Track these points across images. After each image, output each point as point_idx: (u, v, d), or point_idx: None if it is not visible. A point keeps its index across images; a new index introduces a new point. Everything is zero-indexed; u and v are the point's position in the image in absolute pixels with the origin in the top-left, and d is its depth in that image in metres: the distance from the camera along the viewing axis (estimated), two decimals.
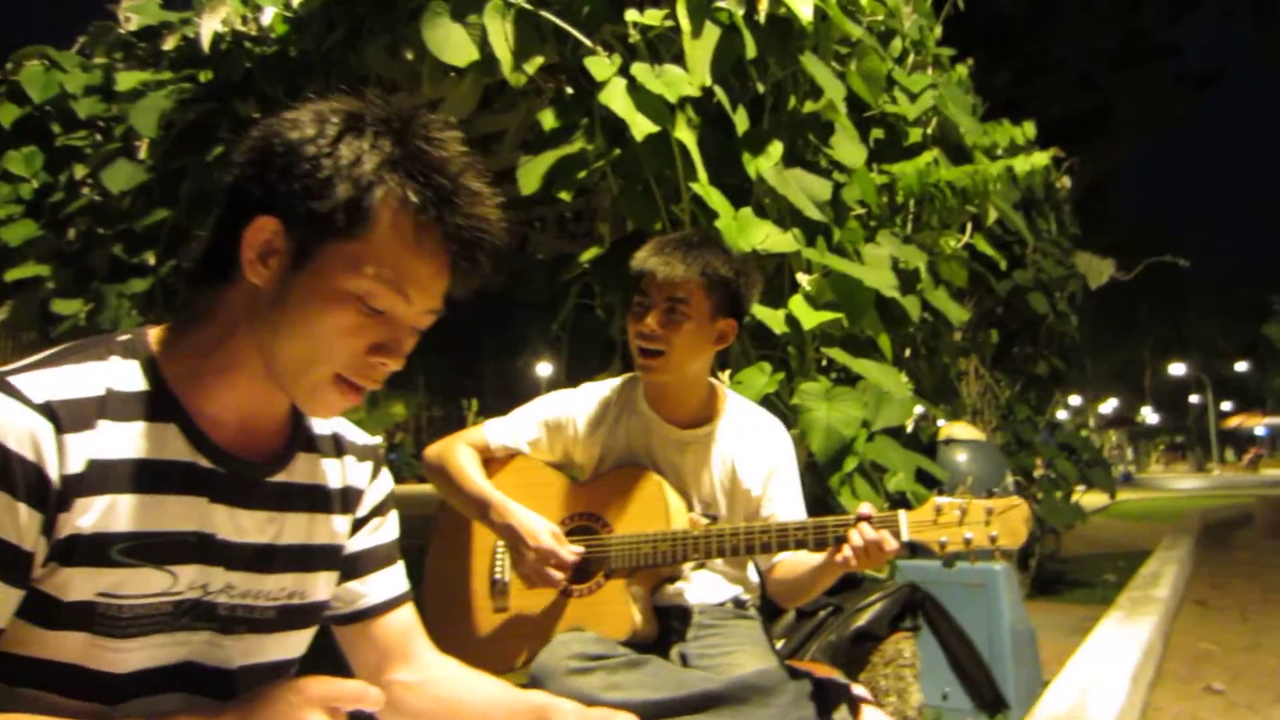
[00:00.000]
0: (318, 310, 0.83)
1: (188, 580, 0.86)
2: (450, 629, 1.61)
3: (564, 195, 2.59)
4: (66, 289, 4.39)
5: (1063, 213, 6.30)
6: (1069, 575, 6.82)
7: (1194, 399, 43.41)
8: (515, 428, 1.69)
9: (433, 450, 1.67)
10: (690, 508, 1.59)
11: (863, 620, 2.24)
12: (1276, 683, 3.49)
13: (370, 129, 0.84)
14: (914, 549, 1.48)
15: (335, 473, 1.01)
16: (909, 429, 3.89)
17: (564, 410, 1.68)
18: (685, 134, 2.54)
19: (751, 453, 1.62)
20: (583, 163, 2.63)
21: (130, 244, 4.40)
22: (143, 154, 4.11)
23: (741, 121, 2.63)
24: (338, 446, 1.02)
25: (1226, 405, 45.37)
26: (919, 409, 3.92)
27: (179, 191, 4.23)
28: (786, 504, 1.62)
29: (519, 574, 1.52)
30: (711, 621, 1.58)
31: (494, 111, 3.45)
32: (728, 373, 2.75)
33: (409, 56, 2.85)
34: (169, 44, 3.91)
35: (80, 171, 4.19)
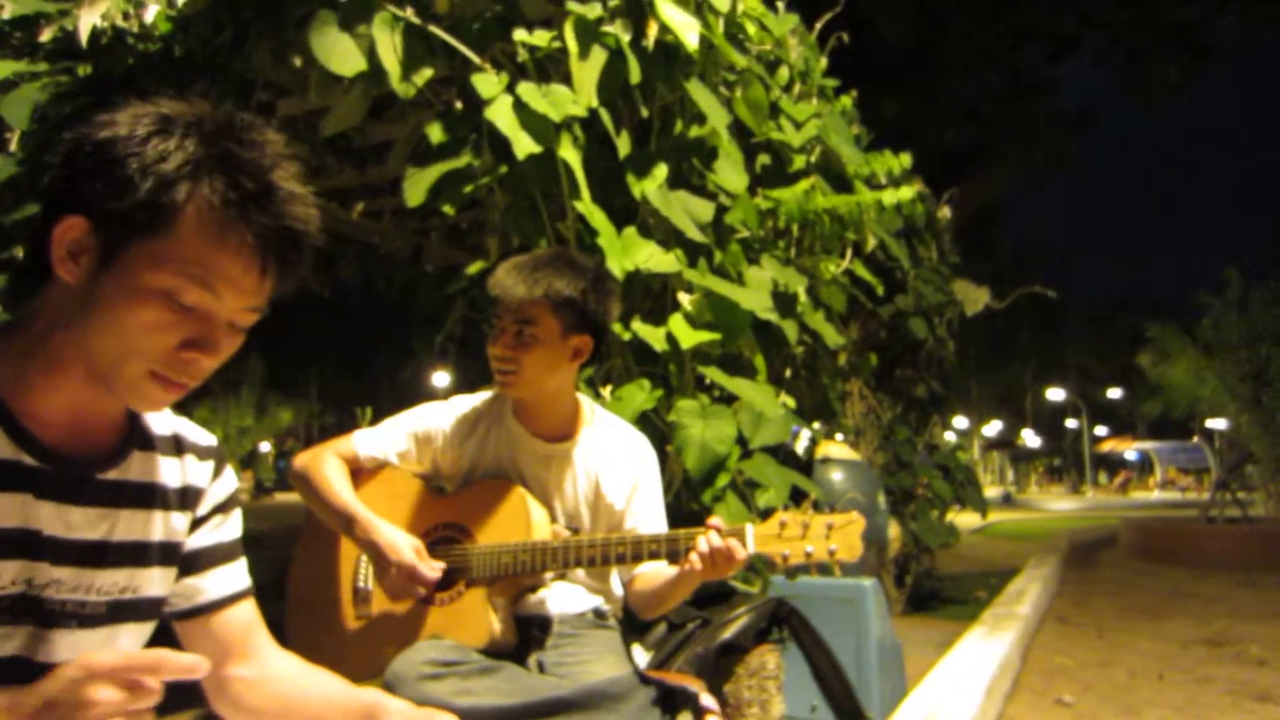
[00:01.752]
0: (124, 306, 0.85)
1: (10, 575, 0.87)
2: (313, 636, 1.61)
3: (448, 209, 2.61)
4: None
5: (943, 241, 6.59)
6: (943, 592, 7.10)
7: (1071, 423, 45.64)
8: (384, 439, 1.70)
9: (300, 460, 1.67)
10: (554, 519, 1.63)
11: (729, 633, 2.31)
12: (1123, 695, 3.71)
13: (179, 130, 0.86)
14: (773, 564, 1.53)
15: (174, 471, 1.02)
16: (798, 448, 4.03)
17: (433, 422, 1.70)
18: (570, 153, 2.59)
19: (615, 467, 1.67)
20: (469, 177, 2.65)
21: None
22: (13, 147, 3.94)
23: (624, 144, 2.70)
24: (178, 446, 1.04)
25: (1101, 430, 47.79)
26: (806, 432, 4.06)
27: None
28: (648, 518, 1.68)
29: (383, 589, 1.53)
30: (571, 631, 1.62)
31: (385, 120, 3.45)
32: (609, 388, 2.81)
33: (297, 63, 2.82)
34: (46, 35, 3.77)
35: None
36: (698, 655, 2.27)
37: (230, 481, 1.09)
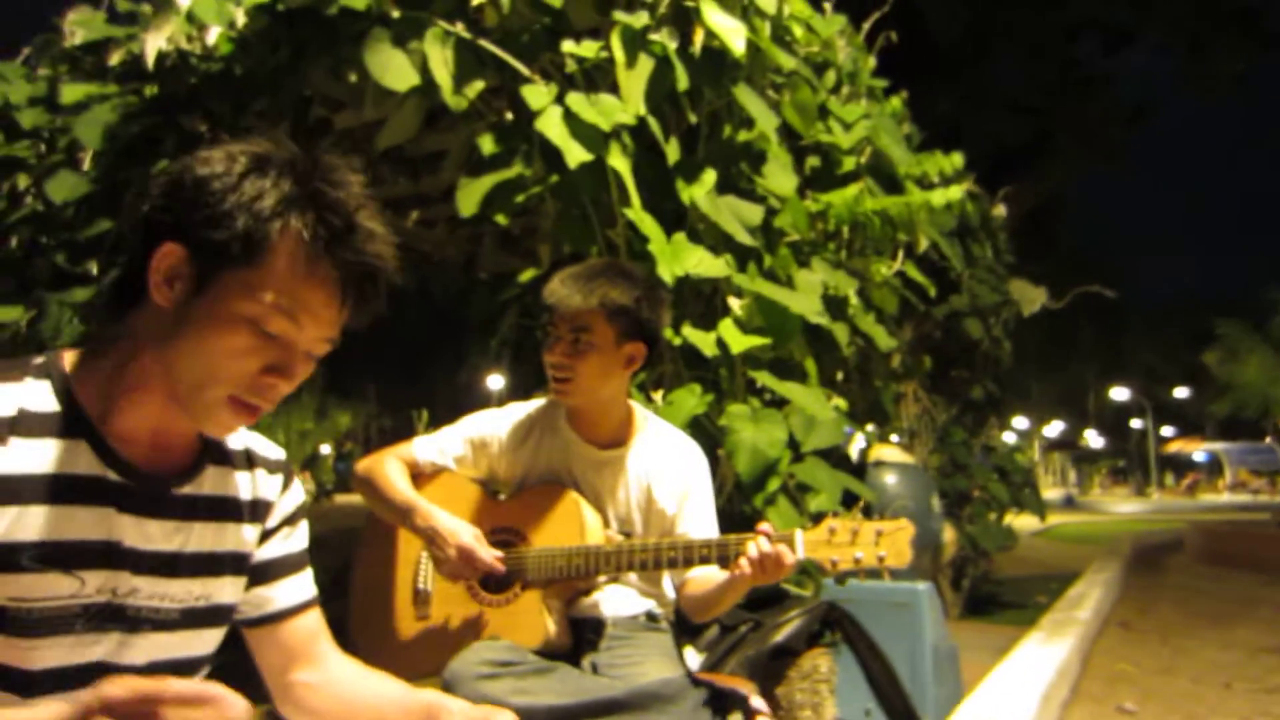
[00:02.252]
0: (214, 331, 0.90)
1: (95, 584, 0.92)
2: (374, 636, 1.66)
3: (500, 219, 2.66)
4: (7, 297, 4.36)
5: (998, 240, 6.50)
6: (1002, 596, 6.99)
7: (1136, 424, 44.51)
8: (442, 445, 1.75)
9: (363, 464, 1.74)
10: (606, 524, 1.66)
11: (781, 635, 2.32)
12: (1186, 704, 3.63)
13: (274, 169, 0.91)
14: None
15: (246, 485, 1.07)
16: (851, 451, 4.01)
17: (489, 429, 1.75)
18: (619, 161, 2.62)
19: (667, 473, 1.70)
20: (521, 187, 2.70)
21: (73, 253, 4.39)
22: (86, 166, 4.11)
23: (673, 151, 2.72)
24: (249, 460, 1.09)
25: (1168, 430, 46.55)
26: (859, 435, 4.04)
27: (122, 202, 4.24)
28: (699, 523, 1.70)
29: (441, 572, 1.58)
30: (623, 633, 1.65)
31: (438, 131, 3.52)
32: (661, 393, 2.83)
33: (352, 78, 2.90)
34: (114, 58, 3.92)
35: (23, 181, 4.17)
36: (749, 658, 2.28)
37: (298, 494, 1.14)
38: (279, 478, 1.12)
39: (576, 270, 1.70)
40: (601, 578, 1.63)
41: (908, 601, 3.40)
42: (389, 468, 1.69)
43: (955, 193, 3.46)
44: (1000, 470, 6.29)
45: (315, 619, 1.14)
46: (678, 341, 2.76)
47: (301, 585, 1.14)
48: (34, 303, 4.30)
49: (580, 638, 1.63)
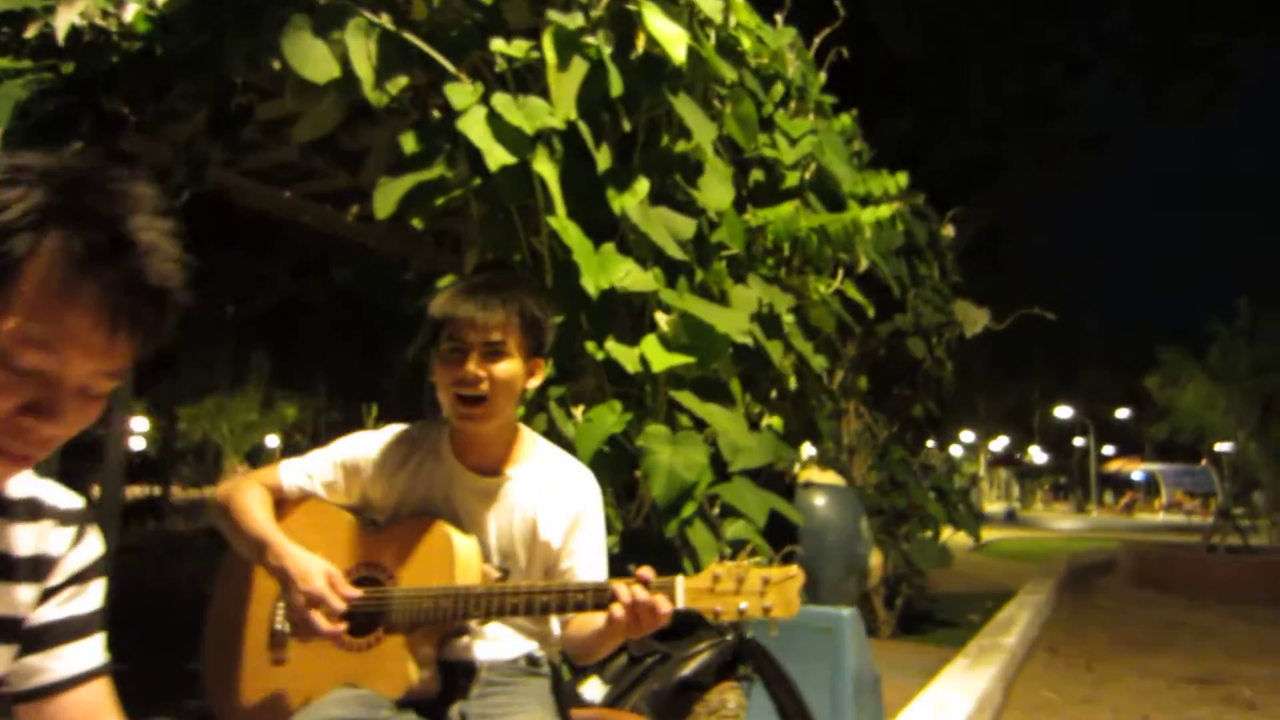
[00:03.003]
0: None
1: None
2: (227, 679, 1.53)
3: (416, 222, 2.54)
4: None
5: (945, 260, 6.51)
6: (936, 614, 7.00)
7: (1078, 441, 45.34)
8: (310, 469, 1.62)
9: (223, 489, 1.59)
10: (487, 558, 1.55)
11: (688, 669, 2.24)
12: None
13: (27, 179, 0.79)
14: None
15: (27, 539, 0.93)
16: (786, 472, 3.94)
17: (362, 453, 1.62)
18: (545, 167, 2.52)
19: (554, 503, 1.59)
20: (443, 189, 2.59)
21: None
22: None
23: (604, 158, 2.63)
24: (34, 511, 0.95)
25: (1109, 449, 47.46)
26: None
27: None
28: (587, 559, 1.59)
29: (289, 620, 1.46)
30: (499, 679, 1.53)
31: (374, 124, 3.39)
32: (581, 409, 2.74)
33: (275, 66, 2.77)
34: (30, 32, 3.73)
35: None
36: (654, 692, 2.20)
37: (92, 548, 0.99)
38: (70, 530, 0.97)
39: (479, 281, 1.60)
40: (472, 621, 1.52)
41: (830, 627, 3.34)
42: (248, 495, 1.55)
43: (885, 210, 3.41)
44: (938, 490, 6.29)
45: (101, 691, 0.99)
46: (600, 356, 2.67)
47: (87, 653, 0.98)
48: None
49: (451, 683, 1.51)
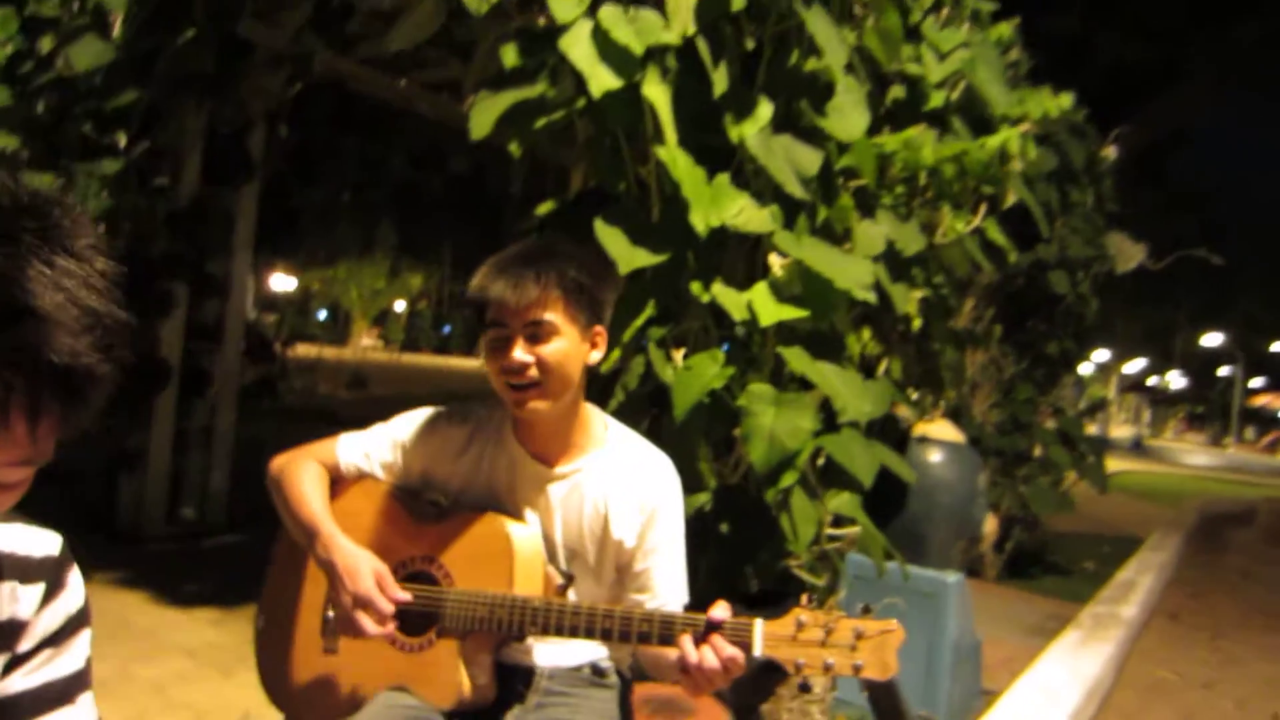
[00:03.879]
0: None
1: None
2: (280, 665, 1.45)
3: (513, 147, 2.35)
4: (37, 163, 4.22)
5: (1102, 186, 5.91)
6: (1048, 556, 6.67)
7: (1224, 371, 42.59)
8: (369, 448, 1.49)
9: (278, 462, 1.48)
10: (553, 558, 1.41)
11: None
12: None
13: None
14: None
15: None
16: (901, 421, 3.68)
17: (423, 433, 1.48)
18: (656, 90, 2.27)
19: (628, 496, 1.43)
20: (543, 108, 2.37)
21: (100, 123, 4.20)
22: (115, 32, 3.87)
23: (721, 80, 2.35)
24: None
25: (1257, 382, 44.48)
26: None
27: (150, 73, 4.01)
28: (664, 559, 1.43)
29: (336, 617, 1.36)
30: (560, 688, 1.41)
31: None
32: (682, 352, 2.55)
33: None
34: None
35: (48, 45, 3.96)
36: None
37: (70, 601, 0.87)
38: (38, 587, 0.84)
39: (511, 256, 1.39)
40: (529, 638, 1.38)
41: (933, 592, 3.14)
42: (303, 473, 1.44)
43: (1012, 134, 3.01)
44: (1064, 435, 5.88)
45: None
46: (706, 298, 2.45)
47: None
48: (63, 171, 4.16)
49: (507, 688, 1.40)
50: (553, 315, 1.35)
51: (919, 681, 3.12)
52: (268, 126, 4.95)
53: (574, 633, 1.26)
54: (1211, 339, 39.70)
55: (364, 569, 1.31)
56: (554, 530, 1.42)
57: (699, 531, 2.46)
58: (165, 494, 4.62)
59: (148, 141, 4.23)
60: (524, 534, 1.38)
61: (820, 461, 2.80)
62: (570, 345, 1.37)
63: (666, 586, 1.43)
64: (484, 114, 2.35)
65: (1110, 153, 5.97)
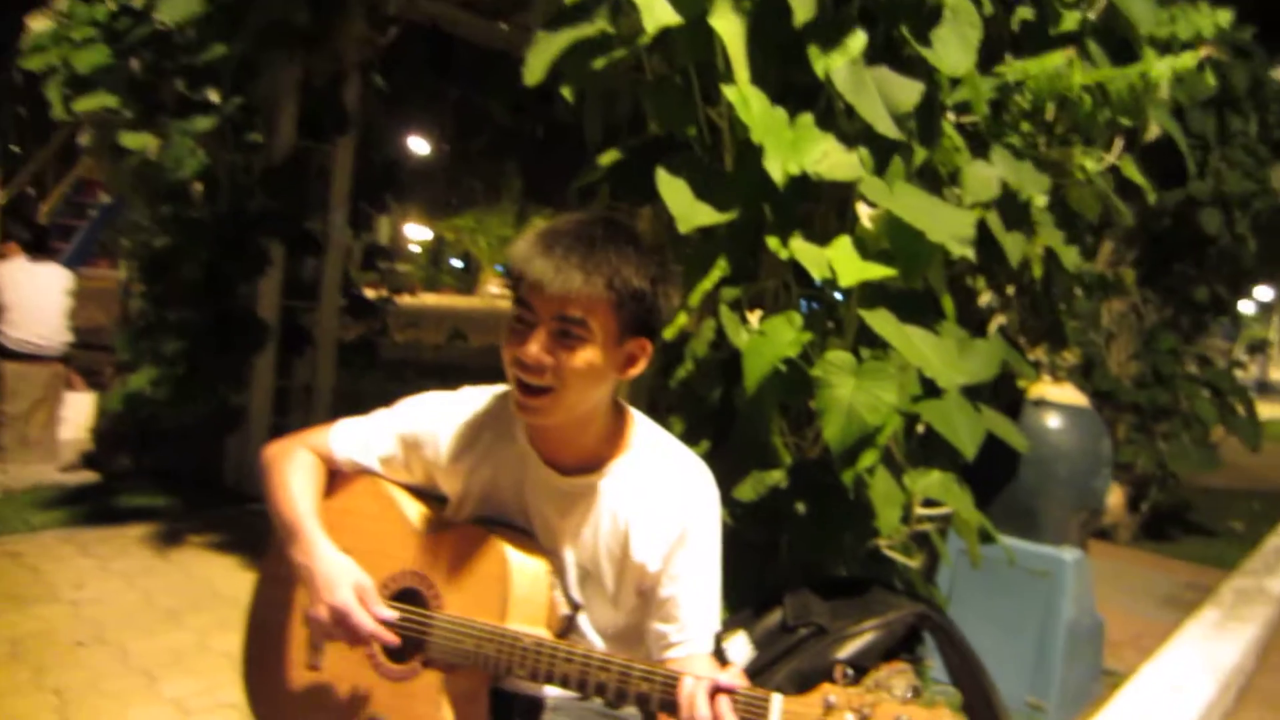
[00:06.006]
0: None
1: None
2: (261, 674, 1.34)
3: (566, 92, 2.16)
4: (135, 122, 4.27)
5: (1268, 112, 5.25)
6: (1190, 513, 6.15)
7: None
8: (369, 439, 1.34)
9: (271, 450, 1.35)
10: (563, 578, 1.24)
11: (847, 650, 1.90)
12: None
13: None
14: None
15: None
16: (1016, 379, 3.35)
17: (427, 425, 1.31)
18: (726, 22, 2.04)
19: (654, 513, 1.23)
20: (603, 46, 2.17)
21: (192, 79, 4.21)
22: None
23: (804, 6, 2.08)
24: None
25: None
26: None
27: (239, 25, 3.97)
28: (693, 585, 1.23)
29: (310, 630, 1.23)
30: None
31: None
32: (758, 314, 2.33)
33: None
34: None
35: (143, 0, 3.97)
36: (801, 672, 1.89)
37: None
38: None
39: (566, 229, 1.16)
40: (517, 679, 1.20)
41: (1048, 570, 2.87)
42: (294, 465, 1.30)
43: (1189, 60, 2.59)
44: (1213, 388, 5.34)
45: None
46: (785, 255, 2.22)
47: None
48: (160, 130, 4.19)
49: (505, 719, 1.24)
50: (591, 319, 1.14)
51: (1029, 666, 2.87)
52: (362, 77, 4.89)
53: (565, 682, 1.09)
54: None
55: (343, 579, 1.18)
56: (565, 547, 1.25)
57: (774, 512, 2.27)
58: None
59: (241, 97, 4.22)
60: (524, 561, 1.21)
61: (919, 429, 2.55)
62: (602, 359, 1.15)
63: (695, 617, 1.24)
64: (540, 55, 2.16)
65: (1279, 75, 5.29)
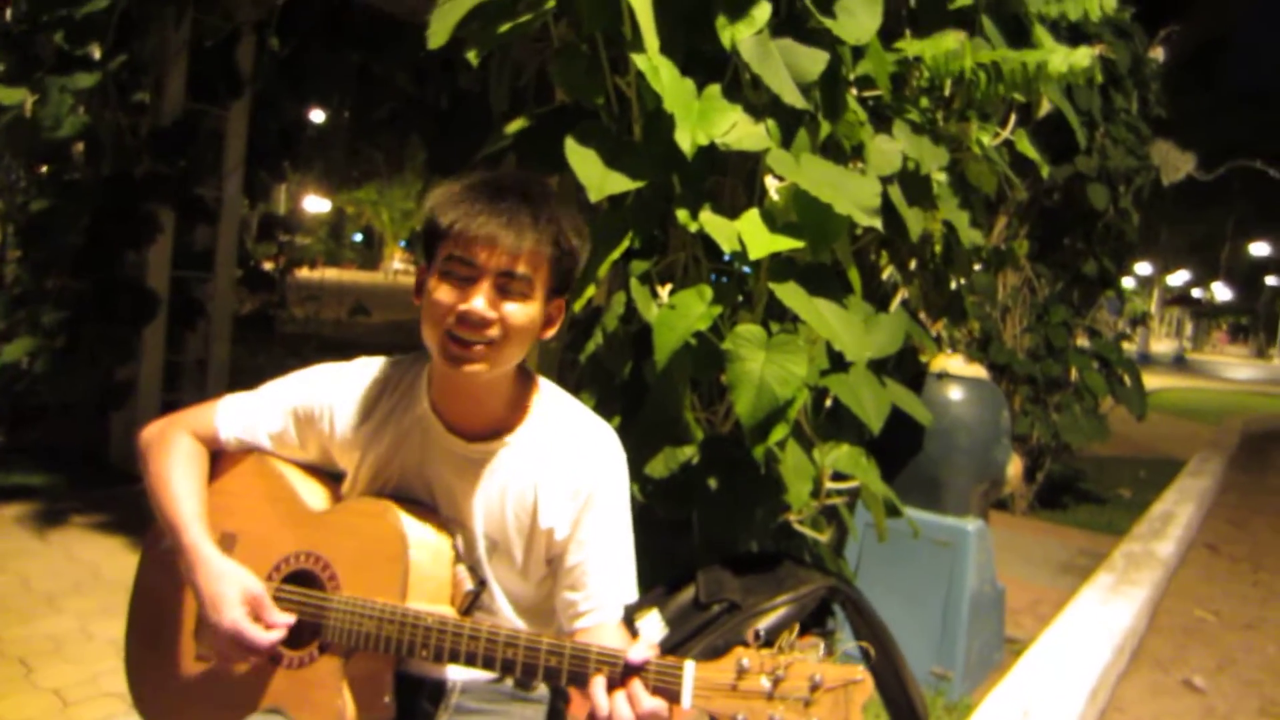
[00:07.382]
0: None
1: None
2: (147, 664, 1.26)
3: (471, 56, 2.08)
4: (10, 77, 3.98)
5: (1149, 91, 5.47)
6: (1081, 483, 6.44)
7: (1271, 280, 41.29)
8: (255, 417, 1.26)
9: (148, 433, 1.26)
10: (470, 550, 1.19)
11: (761, 625, 1.90)
12: (1269, 682, 3.11)
13: None
14: None
15: None
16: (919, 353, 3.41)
17: (320, 397, 1.24)
18: None
19: (560, 477, 1.20)
20: (507, 13, 2.09)
21: (71, 32, 3.93)
22: None
23: None
24: None
25: None
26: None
27: None
28: (603, 551, 1.20)
29: (199, 640, 1.16)
30: (475, 705, 1.21)
31: None
32: (668, 288, 2.31)
33: None
34: None
35: None
36: (716, 649, 1.88)
37: None
38: None
39: (503, 184, 1.13)
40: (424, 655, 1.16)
41: (950, 541, 2.94)
42: (171, 456, 1.21)
43: (1083, 59, 2.67)
44: (1101, 358, 5.58)
45: None
46: (694, 228, 2.19)
47: None
48: (37, 85, 3.92)
49: (410, 705, 1.19)
50: (535, 275, 1.13)
51: (935, 636, 2.94)
52: (257, 38, 4.67)
53: (470, 660, 1.06)
54: (1259, 248, 38.38)
55: (230, 594, 1.11)
56: (471, 518, 1.20)
57: (685, 487, 2.26)
58: None
59: (126, 54, 3.97)
60: (424, 537, 1.16)
61: (827, 403, 2.57)
62: (537, 314, 1.15)
63: (604, 584, 1.21)
64: (443, 19, 2.07)
65: (1158, 54, 5.51)
